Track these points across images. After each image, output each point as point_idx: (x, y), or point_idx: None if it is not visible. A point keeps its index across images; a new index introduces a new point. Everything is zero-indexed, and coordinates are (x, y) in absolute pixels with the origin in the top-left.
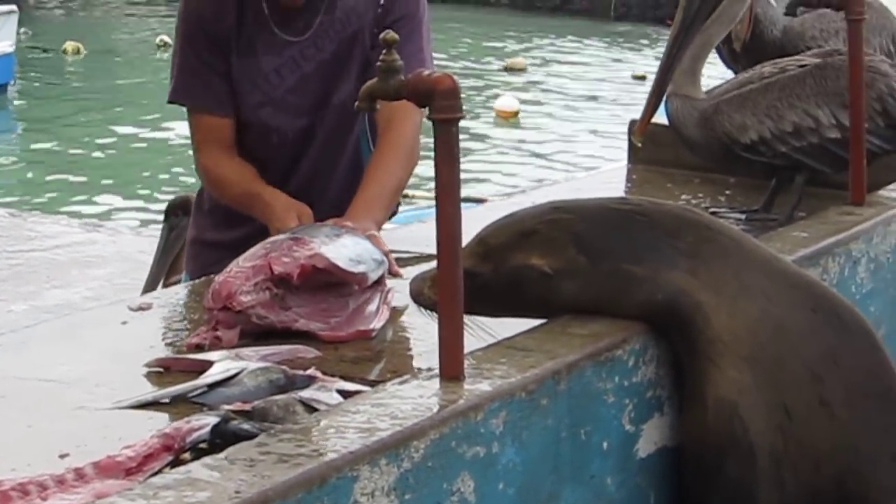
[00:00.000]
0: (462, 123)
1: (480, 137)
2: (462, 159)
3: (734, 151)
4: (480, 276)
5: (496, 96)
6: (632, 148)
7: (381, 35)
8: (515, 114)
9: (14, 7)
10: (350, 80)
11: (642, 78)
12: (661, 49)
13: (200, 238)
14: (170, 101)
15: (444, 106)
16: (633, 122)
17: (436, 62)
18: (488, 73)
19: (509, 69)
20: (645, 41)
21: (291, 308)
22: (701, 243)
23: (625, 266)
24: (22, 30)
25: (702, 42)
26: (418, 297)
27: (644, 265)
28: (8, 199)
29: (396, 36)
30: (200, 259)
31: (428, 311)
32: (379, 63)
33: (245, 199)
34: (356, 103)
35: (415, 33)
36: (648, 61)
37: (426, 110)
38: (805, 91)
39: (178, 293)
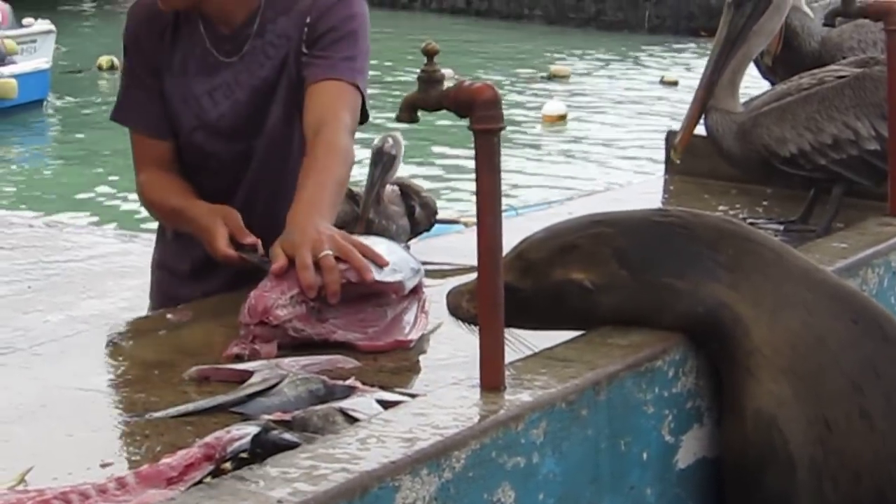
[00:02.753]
0: (508, 130)
1: (526, 144)
2: (507, 166)
3: (773, 164)
4: (520, 290)
5: (541, 104)
6: (669, 159)
7: (423, 46)
8: (563, 117)
9: (52, 26)
10: (279, 104)
11: (673, 83)
12: (695, 60)
13: (163, 265)
14: (111, 119)
15: (484, 116)
16: (670, 134)
17: (479, 74)
18: (531, 82)
19: (553, 77)
20: (679, 53)
21: (328, 320)
22: (741, 255)
23: (666, 279)
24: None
25: (741, 56)
26: (456, 311)
27: (685, 278)
28: (44, 210)
29: (437, 46)
30: (163, 287)
31: (466, 325)
32: (420, 74)
33: (173, 217)
34: (397, 114)
35: (343, 42)
36: (683, 72)
37: (355, 116)
38: (844, 103)
39: (215, 303)
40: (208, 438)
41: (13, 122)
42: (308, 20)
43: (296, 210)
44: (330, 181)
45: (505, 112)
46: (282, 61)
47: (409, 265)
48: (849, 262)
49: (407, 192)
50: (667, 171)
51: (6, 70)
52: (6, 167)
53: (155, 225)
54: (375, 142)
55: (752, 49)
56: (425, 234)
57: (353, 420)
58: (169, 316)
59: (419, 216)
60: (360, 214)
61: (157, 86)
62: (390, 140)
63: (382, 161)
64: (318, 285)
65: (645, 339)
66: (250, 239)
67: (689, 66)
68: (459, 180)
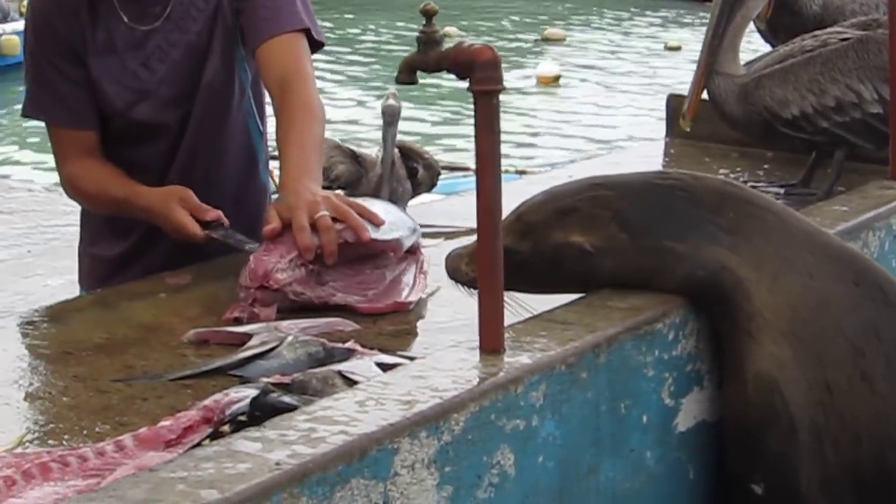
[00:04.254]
0: (503, 93)
1: (520, 106)
2: (505, 128)
3: (775, 127)
4: (519, 253)
5: (535, 66)
6: (670, 122)
7: (421, 7)
8: (557, 78)
9: None
10: (215, 58)
11: (676, 49)
12: (699, 25)
13: (94, 250)
14: (24, 115)
15: (484, 77)
16: (671, 97)
17: (474, 36)
18: (526, 44)
19: (547, 40)
20: (683, 17)
21: (328, 283)
22: (742, 218)
23: (666, 243)
24: None
25: (741, 16)
26: (455, 274)
27: (685, 241)
28: (44, 171)
29: (436, 7)
30: (96, 273)
31: (465, 288)
32: (419, 35)
33: (117, 208)
34: (396, 75)
35: None
36: (686, 37)
37: (312, 62)
38: (847, 65)
39: (214, 266)
40: (207, 401)
41: (16, 80)
42: None
43: (287, 175)
44: (311, 142)
45: None
46: (214, 10)
47: (406, 224)
48: (850, 226)
49: (409, 154)
50: (667, 134)
51: (8, 27)
52: (7, 126)
53: None
54: (389, 101)
55: (751, 11)
56: (434, 189)
57: (352, 383)
58: (168, 279)
59: (422, 177)
60: (381, 177)
61: (76, 72)
62: (397, 100)
63: (396, 122)
64: (314, 247)
65: (645, 301)
66: (212, 214)
67: (692, 31)
68: (453, 135)
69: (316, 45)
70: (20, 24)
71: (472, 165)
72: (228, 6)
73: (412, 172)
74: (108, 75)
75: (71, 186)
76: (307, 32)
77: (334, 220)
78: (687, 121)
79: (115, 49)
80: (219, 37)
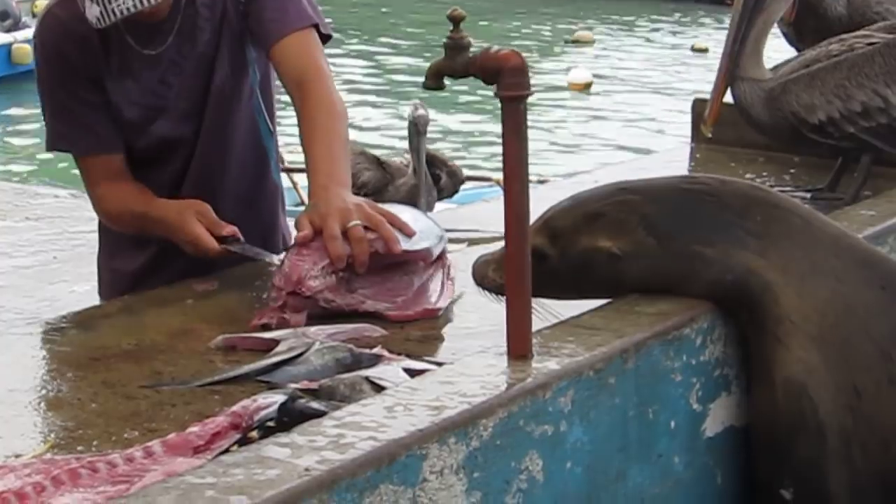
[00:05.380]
0: (532, 98)
1: (550, 112)
2: (532, 134)
3: (801, 132)
4: (546, 258)
5: (565, 70)
6: (695, 127)
7: (449, 12)
8: (588, 85)
9: None
10: (223, 63)
11: (703, 50)
12: (722, 28)
13: (112, 264)
14: (50, 150)
15: (511, 83)
16: (696, 102)
17: (502, 41)
18: (554, 49)
19: (576, 42)
20: (704, 21)
21: (357, 290)
22: (770, 222)
23: (694, 247)
24: None
25: (763, 21)
26: (482, 281)
27: (713, 246)
28: (64, 178)
29: (463, 13)
30: (115, 286)
31: (493, 295)
32: (446, 41)
33: (138, 223)
34: (424, 81)
35: None
36: (712, 39)
37: (325, 56)
38: (874, 70)
39: (242, 273)
40: (235, 407)
41: (32, 86)
42: None
43: (315, 182)
44: (338, 145)
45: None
46: (220, 17)
47: (434, 232)
48: (877, 230)
49: (432, 161)
50: (693, 139)
51: (20, 35)
52: (30, 132)
53: None
54: (419, 111)
55: (773, 15)
56: (455, 197)
57: (379, 388)
58: (195, 285)
59: (445, 184)
60: (417, 186)
61: (95, 97)
62: (426, 108)
63: (425, 131)
64: (346, 256)
65: (672, 307)
66: (228, 229)
67: (717, 34)
68: (478, 144)
69: (324, 39)
70: (31, 32)
71: (493, 176)
72: (234, 11)
73: (435, 179)
74: (126, 97)
75: (101, 208)
76: (315, 27)
77: (366, 228)
78: (708, 127)
79: (130, 71)
80: (226, 42)
